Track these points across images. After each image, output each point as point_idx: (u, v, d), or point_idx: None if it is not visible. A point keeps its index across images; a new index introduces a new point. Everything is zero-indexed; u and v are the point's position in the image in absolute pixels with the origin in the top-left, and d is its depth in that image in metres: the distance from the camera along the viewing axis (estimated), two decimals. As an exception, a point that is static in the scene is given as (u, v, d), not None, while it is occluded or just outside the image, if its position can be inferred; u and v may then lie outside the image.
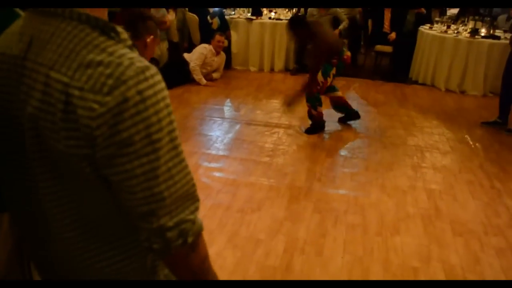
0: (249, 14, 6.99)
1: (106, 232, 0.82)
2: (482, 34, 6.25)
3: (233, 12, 7.18)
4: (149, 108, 0.68)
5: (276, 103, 5.37)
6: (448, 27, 6.55)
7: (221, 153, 3.92)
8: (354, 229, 2.87)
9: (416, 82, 6.69)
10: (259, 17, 6.89)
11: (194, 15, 6.55)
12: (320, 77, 4.26)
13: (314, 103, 4.38)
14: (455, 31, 6.43)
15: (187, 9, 6.64)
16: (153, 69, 0.71)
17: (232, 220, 2.89)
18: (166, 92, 0.72)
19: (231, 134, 4.37)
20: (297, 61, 6.83)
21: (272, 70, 6.96)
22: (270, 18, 6.95)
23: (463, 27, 6.53)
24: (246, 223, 2.87)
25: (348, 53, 4.40)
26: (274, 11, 7.19)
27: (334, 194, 3.29)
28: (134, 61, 0.69)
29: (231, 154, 3.89)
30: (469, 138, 4.55)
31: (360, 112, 4.78)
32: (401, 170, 3.75)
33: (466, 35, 6.25)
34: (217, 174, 3.51)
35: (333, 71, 4.28)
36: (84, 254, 0.83)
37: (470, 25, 6.45)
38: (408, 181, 3.55)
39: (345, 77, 6.71)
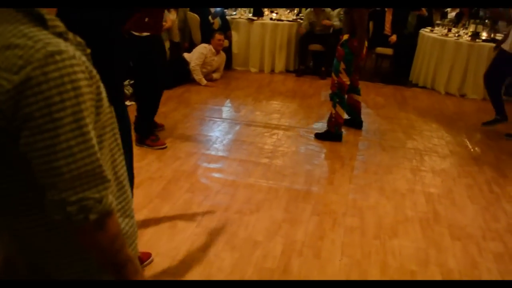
0: (250, 15, 6.99)
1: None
2: (483, 38, 6.26)
3: (235, 13, 7.18)
4: (52, 89, 0.75)
5: (276, 105, 5.37)
6: (449, 30, 6.56)
7: (220, 154, 3.92)
8: (352, 232, 2.87)
9: (416, 85, 6.69)
10: (260, 18, 6.89)
11: (195, 15, 6.54)
12: (333, 76, 4.20)
13: (334, 101, 4.23)
14: (456, 35, 6.43)
15: (188, 9, 6.63)
16: (67, 54, 0.77)
17: (231, 221, 2.89)
18: (77, 76, 0.78)
19: (230, 135, 4.37)
20: (302, 62, 6.84)
21: (272, 71, 6.95)
22: (271, 19, 6.95)
23: (464, 31, 6.53)
24: (245, 225, 2.86)
25: (355, 43, 4.00)
26: (275, 12, 7.19)
27: (332, 197, 3.29)
28: (48, 45, 0.76)
29: (230, 155, 3.89)
30: (468, 142, 4.56)
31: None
32: (400, 173, 3.75)
33: (467, 38, 6.25)
34: (216, 175, 3.51)
35: (342, 65, 4.09)
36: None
37: (471, 28, 6.46)
38: (407, 184, 3.55)
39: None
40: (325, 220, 2.97)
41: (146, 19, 3.68)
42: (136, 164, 3.47)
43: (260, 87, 6.10)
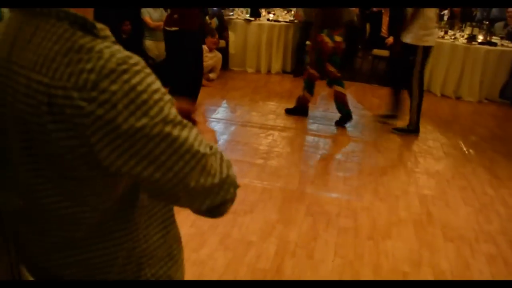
0: (248, 15, 7.00)
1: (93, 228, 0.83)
2: (479, 41, 6.28)
3: (232, 13, 7.19)
4: (142, 94, 0.67)
5: (272, 105, 5.38)
6: (445, 32, 6.58)
7: (215, 154, 3.92)
8: (346, 233, 2.88)
9: (412, 87, 6.70)
10: (257, 19, 6.90)
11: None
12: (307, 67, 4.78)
13: (305, 88, 4.81)
14: (452, 37, 6.45)
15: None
16: (135, 58, 0.70)
17: (224, 221, 2.89)
18: (153, 77, 0.71)
19: (226, 135, 4.38)
20: (299, 62, 6.85)
21: (269, 72, 6.96)
22: (268, 19, 6.96)
23: (460, 33, 6.56)
24: (238, 225, 2.87)
25: (325, 38, 4.42)
26: (272, 12, 7.20)
27: (326, 198, 3.30)
28: (114, 53, 0.68)
29: (225, 155, 3.88)
30: (463, 144, 4.57)
31: (355, 116, 4.79)
32: (395, 174, 3.77)
33: (463, 41, 6.28)
34: (210, 175, 3.51)
35: (311, 58, 4.63)
36: (68, 251, 0.85)
37: (467, 31, 6.48)
38: (401, 186, 3.56)
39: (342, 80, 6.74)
40: (319, 221, 2.98)
41: (175, 16, 4.10)
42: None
43: (257, 88, 6.11)
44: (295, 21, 6.92)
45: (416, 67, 4.43)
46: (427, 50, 4.41)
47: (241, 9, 7.11)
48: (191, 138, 0.73)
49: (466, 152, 4.39)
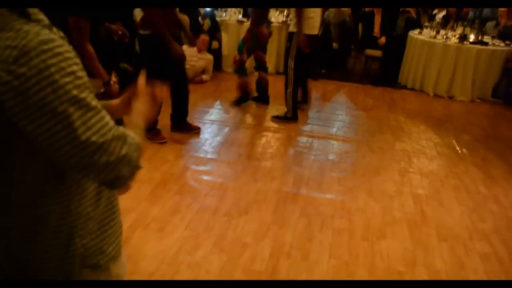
0: (240, 16, 6.99)
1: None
2: (471, 40, 6.32)
3: (224, 14, 7.18)
4: (54, 75, 0.78)
5: (265, 106, 5.37)
6: (437, 32, 6.61)
7: (209, 156, 3.91)
8: (341, 234, 2.88)
9: (405, 87, 6.73)
10: (250, 20, 6.88)
11: (185, 16, 6.52)
12: (236, 55, 5.18)
13: (239, 73, 5.22)
14: (444, 37, 6.48)
15: (177, 9, 6.61)
16: (58, 42, 0.80)
17: (219, 223, 2.89)
18: (70, 62, 0.81)
19: (219, 137, 4.37)
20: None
21: (262, 72, 6.94)
22: (261, 20, 6.94)
23: (452, 33, 6.59)
24: (233, 227, 2.86)
25: (264, 30, 4.98)
26: (265, 14, 7.20)
27: (321, 199, 3.30)
28: (39, 35, 0.78)
29: (219, 157, 3.88)
30: (456, 144, 4.59)
31: (349, 116, 4.81)
32: (388, 174, 3.77)
33: (455, 40, 6.31)
34: (204, 177, 3.50)
35: (245, 46, 5.05)
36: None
37: (459, 30, 6.52)
38: (395, 186, 3.57)
39: (335, 81, 6.77)
40: (314, 222, 2.98)
41: (146, 19, 3.84)
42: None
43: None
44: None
45: (291, 55, 4.72)
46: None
47: (234, 10, 7.10)
48: (89, 123, 0.83)
49: (459, 151, 4.41)
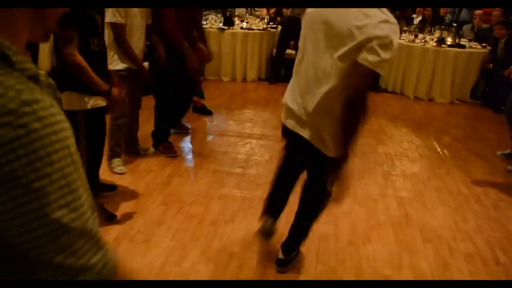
0: (221, 24, 7.01)
1: None
2: (448, 43, 6.44)
3: (205, 22, 7.19)
4: (35, 142, 0.64)
5: (248, 113, 5.39)
6: (416, 36, 6.72)
7: (193, 165, 3.90)
8: (327, 239, 2.89)
9: (386, 91, 6.82)
10: (230, 27, 6.92)
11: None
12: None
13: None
14: (423, 40, 6.60)
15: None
16: (46, 103, 0.67)
17: (205, 232, 2.88)
18: (62, 126, 0.68)
19: (203, 145, 4.36)
20: (274, 69, 6.90)
21: (244, 80, 6.98)
22: (242, 28, 6.98)
23: (430, 36, 6.71)
24: (219, 236, 2.86)
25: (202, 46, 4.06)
26: (245, 21, 7.24)
27: (306, 204, 3.31)
28: (22, 93, 0.65)
29: (204, 166, 3.87)
30: (437, 145, 4.67)
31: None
32: (372, 178, 3.81)
33: (433, 44, 6.43)
34: (189, 186, 3.49)
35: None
36: None
37: (437, 34, 6.64)
38: (379, 189, 3.61)
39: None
40: (300, 228, 2.98)
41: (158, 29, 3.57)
42: (108, 178, 3.43)
43: (233, 96, 6.12)
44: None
45: None
46: None
47: (214, 18, 7.11)
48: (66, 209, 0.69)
49: (441, 153, 4.48)
